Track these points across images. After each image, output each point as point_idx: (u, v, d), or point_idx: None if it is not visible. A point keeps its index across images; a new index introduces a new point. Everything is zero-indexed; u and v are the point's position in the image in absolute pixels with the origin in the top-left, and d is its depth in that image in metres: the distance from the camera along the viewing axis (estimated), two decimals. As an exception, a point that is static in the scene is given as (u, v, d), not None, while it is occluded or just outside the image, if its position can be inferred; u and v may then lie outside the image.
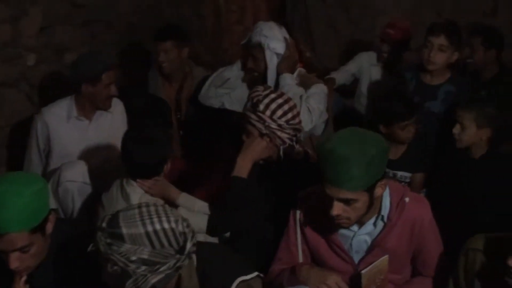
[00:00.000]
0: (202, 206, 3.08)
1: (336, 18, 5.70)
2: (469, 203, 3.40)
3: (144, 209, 2.15)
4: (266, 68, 3.68)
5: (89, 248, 2.16)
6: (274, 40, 3.65)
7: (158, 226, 2.11)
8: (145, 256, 2.09)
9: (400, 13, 4.85)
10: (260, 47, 3.65)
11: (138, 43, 4.86)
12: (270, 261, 2.84)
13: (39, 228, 2.34)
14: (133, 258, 2.08)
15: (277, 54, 3.65)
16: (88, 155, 3.72)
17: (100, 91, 3.67)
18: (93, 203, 3.35)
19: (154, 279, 2.13)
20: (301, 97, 3.57)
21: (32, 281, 2.42)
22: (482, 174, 3.42)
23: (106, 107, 3.76)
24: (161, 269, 2.12)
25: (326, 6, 5.70)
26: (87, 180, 3.53)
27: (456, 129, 3.46)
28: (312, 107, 3.56)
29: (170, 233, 2.12)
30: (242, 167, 3.02)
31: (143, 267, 2.10)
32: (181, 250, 2.14)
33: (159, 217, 2.13)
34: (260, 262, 2.75)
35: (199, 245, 2.24)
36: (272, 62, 3.65)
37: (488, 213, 3.34)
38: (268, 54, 3.64)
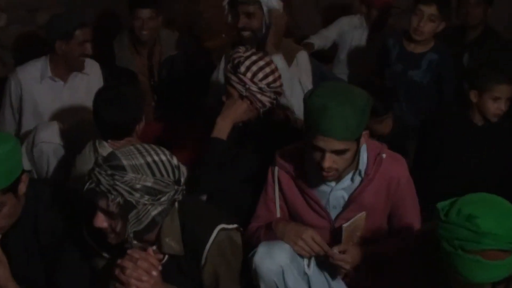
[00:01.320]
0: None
1: None
2: (471, 172, 3.40)
3: (139, 146, 2.24)
4: (261, 27, 3.55)
5: (86, 186, 2.18)
6: None
7: (156, 158, 2.20)
8: (149, 184, 2.16)
9: None
10: (258, 3, 3.50)
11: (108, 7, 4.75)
12: (248, 222, 2.85)
13: (11, 188, 2.32)
14: (138, 186, 2.14)
15: (270, 10, 3.52)
16: (62, 116, 3.67)
17: (74, 48, 3.60)
18: (67, 164, 3.31)
19: (154, 211, 2.20)
20: (300, 82, 3.56)
21: (6, 241, 2.40)
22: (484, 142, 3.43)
23: (80, 67, 3.68)
24: (162, 199, 2.19)
25: (304, -32, 5.59)
26: (62, 142, 3.47)
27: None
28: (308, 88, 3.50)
29: (167, 164, 2.21)
30: (222, 129, 3.00)
31: (147, 197, 2.16)
32: (177, 181, 2.23)
33: (155, 150, 2.23)
34: (239, 223, 2.70)
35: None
36: (270, 20, 3.51)
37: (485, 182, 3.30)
38: (266, 11, 3.51)
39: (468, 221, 1.98)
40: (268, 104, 3.02)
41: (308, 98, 2.50)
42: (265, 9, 3.50)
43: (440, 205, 2.08)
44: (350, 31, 4.86)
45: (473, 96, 3.41)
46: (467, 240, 1.98)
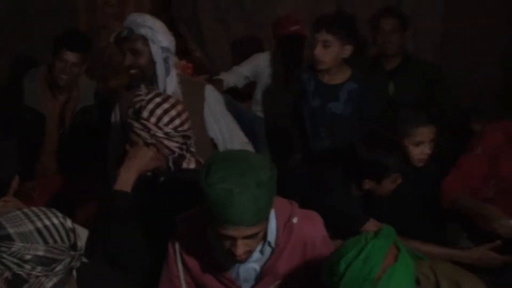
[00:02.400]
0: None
1: (227, 12, 5.44)
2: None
3: (26, 210, 2.10)
4: (149, 64, 3.40)
5: None
6: (160, 32, 3.38)
7: (47, 222, 2.06)
8: (41, 253, 2.02)
9: (298, 6, 4.69)
10: (143, 39, 3.36)
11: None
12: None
13: None
14: (28, 256, 2.00)
15: (163, 48, 3.38)
16: None
17: None
18: None
19: (49, 283, 2.05)
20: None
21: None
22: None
23: None
24: (57, 269, 2.04)
25: (216, -2, 5.55)
26: None
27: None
28: None
29: (60, 228, 2.07)
30: (126, 180, 2.75)
31: (39, 268, 2.02)
32: (73, 246, 2.10)
33: (45, 214, 2.08)
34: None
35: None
36: (159, 57, 3.38)
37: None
38: (154, 48, 3.35)
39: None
40: (177, 150, 2.82)
41: (206, 184, 2.26)
42: (152, 45, 3.34)
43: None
44: (266, 68, 4.71)
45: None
46: None
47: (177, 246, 2.58)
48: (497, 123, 3.35)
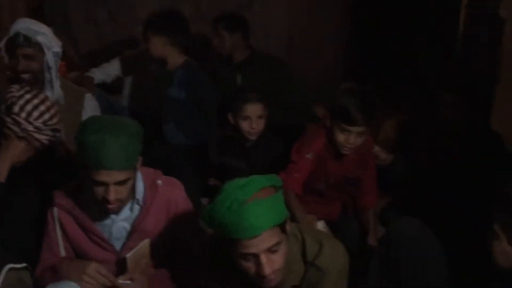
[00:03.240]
0: None
1: (96, 13, 5.57)
2: None
3: None
4: (42, 69, 3.49)
5: None
6: (53, 39, 3.50)
7: None
8: None
9: (159, 6, 4.77)
10: (39, 45, 3.44)
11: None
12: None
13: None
14: None
15: (54, 53, 3.49)
16: None
17: None
18: None
19: None
20: None
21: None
22: None
23: None
24: None
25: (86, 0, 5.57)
26: None
27: None
28: None
29: None
30: None
31: None
32: None
33: None
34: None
35: None
36: (53, 63, 3.48)
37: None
38: (49, 54, 3.45)
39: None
40: (46, 143, 2.97)
41: (81, 135, 2.50)
42: (47, 51, 3.44)
43: None
44: (132, 65, 4.83)
45: (230, 118, 3.66)
46: None
47: (55, 215, 2.75)
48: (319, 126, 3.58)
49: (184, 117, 4.30)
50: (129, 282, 2.67)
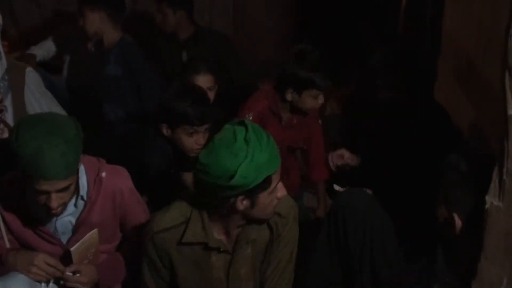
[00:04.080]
0: None
1: None
2: None
3: None
4: None
5: None
6: None
7: None
8: None
9: None
10: None
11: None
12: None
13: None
14: None
15: None
16: None
17: None
18: None
19: None
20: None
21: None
22: None
23: None
24: None
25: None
26: None
27: None
28: None
29: None
30: None
31: None
32: None
33: None
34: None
35: None
36: None
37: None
38: None
39: None
40: None
41: (15, 146, 2.37)
42: None
43: None
44: (70, 42, 4.75)
45: None
46: None
47: None
48: (262, 91, 3.65)
49: (123, 95, 4.26)
50: (76, 274, 2.66)
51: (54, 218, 2.67)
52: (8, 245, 2.73)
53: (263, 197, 2.36)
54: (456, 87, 3.38)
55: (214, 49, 4.52)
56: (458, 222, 2.39)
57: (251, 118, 3.42)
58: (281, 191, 2.42)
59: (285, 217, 2.54)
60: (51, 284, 2.67)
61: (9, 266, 2.63)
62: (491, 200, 2.21)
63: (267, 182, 2.32)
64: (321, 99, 3.44)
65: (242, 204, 2.35)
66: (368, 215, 2.81)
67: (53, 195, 2.44)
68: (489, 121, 2.70)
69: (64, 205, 2.55)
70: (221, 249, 2.50)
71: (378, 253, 2.85)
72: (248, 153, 2.23)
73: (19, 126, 2.42)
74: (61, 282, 2.70)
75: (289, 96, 3.44)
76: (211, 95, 3.60)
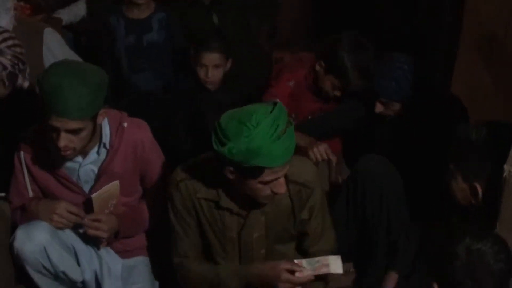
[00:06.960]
0: None
1: None
2: None
3: None
4: None
5: None
6: None
7: None
8: None
9: None
10: None
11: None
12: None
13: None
14: None
15: None
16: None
17: None
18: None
19: None
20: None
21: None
22: None
23: None
24: None
25: None
26: None
27: None
28: None
29: None
30: None
31: None
32: None
33: None
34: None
35: None
36: None
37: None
38: None
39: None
40: (9, 67, 2.89)
41: (42, 77, 2.47)
42: None
43: None
44: (100, 5, 4.60)
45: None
46: None
47: (22, 157, 2.73)
48: (303, 56, 3.53)
49: (163, 63, 4.14)
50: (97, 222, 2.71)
51: (76, 166, 2.72)
52: (31, 195, 2.79)
53: (251, 183, 2.35)
54: (478, 60, 3.38)
55: (240, 8, 4.32)
56: (480, 192, 2.38)
57: (291, 85, 3.40)
58: (279, 188, 2.38)
59: (310, 187, 2.56)
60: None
61: (31, 214, 2.70)
62: (509, 168, 2.19)
63: (256, 170, 2.29)
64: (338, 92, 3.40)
65: (230, 174, 2.36)
66: (386, 179, 2.85)
67: (62, 134, 2.48)
68: (509, 92, 2.71)
69: (73, 151, 2.57)
70: (234, 211, 2.53)
71: (394, 219, 2.88)
72: (250, 134, 2.22)
73: (54, 63, 2.56)
74: (81, 230, 2.76)
75: (328, 78, 3.37)
76: (218, 72, 3.57)
